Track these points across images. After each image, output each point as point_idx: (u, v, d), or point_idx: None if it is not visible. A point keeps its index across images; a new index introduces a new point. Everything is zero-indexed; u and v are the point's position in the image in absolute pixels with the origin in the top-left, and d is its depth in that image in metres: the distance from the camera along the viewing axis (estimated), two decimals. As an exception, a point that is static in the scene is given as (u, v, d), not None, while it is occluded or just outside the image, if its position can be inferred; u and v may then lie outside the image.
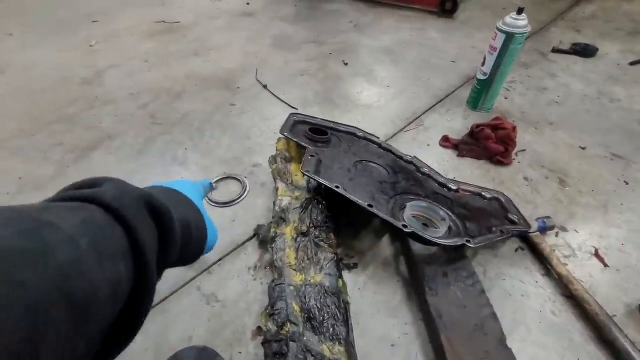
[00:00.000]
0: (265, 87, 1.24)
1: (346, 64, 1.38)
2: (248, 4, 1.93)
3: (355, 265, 0.70)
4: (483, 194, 0.80)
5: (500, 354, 0.54)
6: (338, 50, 1.48)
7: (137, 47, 1.50)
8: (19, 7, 1.86)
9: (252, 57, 1.43)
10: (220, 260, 0.71)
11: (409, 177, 0.81)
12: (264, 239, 0.71)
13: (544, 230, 0.73)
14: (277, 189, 0.76)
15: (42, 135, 1.03)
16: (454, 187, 0.80)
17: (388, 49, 1.49)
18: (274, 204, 0.73)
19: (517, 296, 0.65)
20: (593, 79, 1.27)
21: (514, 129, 0.93)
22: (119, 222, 0.23)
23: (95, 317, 0.19)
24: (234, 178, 0.88)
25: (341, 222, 0.75)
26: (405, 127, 1.07)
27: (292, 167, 0.81)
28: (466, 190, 0.80)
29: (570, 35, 1.55)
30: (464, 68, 1.35)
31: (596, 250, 0.72)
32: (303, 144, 0.79)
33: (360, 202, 0.64)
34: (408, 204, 0.71)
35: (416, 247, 0.67)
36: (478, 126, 0.95)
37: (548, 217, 0.74)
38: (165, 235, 0.27)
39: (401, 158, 0.86)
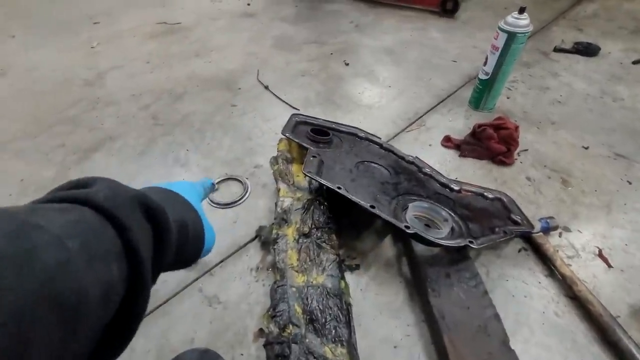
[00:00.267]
0: (266, 87, 1.24)
1: (347, 64, 1.38)
2: (249, 4, 1.93)
3: (358, 267, 0.70)
4: (485, 194, 0.79)
5: (503, 355, 0.53)
6: (339, 50, 1.48)
7: (138, 48, 1.50)
8: (21, 9, 1.87)
9: (253, 57, 1.43)
10: (221, 261, 0.71)
11: (410, 178, 0.80)
12: (265, 240, 0.71)
13: (547, 230, 0.73)
14: (278, 190, 0.76)
15: (44, 136, 1.03)
16: (456, 188, 0.79)
17: (389, 49, 1.49)
18: (276, 205, 0.73)
19: (520, 297, 0.65)
20: (595, 78, 1.26)
21: (516, 128, 0.93)
22: (111, 222, 0.22)
23: (86, 318, 0.19)
24: (235, 179, 0.88)
25: (343, 223, 0.75)
26: (407, 127, 1.06)
27: (294, 167, 0.81)
28: (468, 191, 0.80)
29: (572, 34, 1.54)
30: (465, 68, 1.34)
31: (600, 251, 0.72)
32: (304, 144, 0.79)
33: (362, 203, 0.63)
34: (410, 205, 0.71)
35: (418, 247, 0.67)
36: (480, 126, 0.95)
37: (551, 217, 0.74)
38: (160, 235, 0.26)
39: (403, 158, 0.85)
